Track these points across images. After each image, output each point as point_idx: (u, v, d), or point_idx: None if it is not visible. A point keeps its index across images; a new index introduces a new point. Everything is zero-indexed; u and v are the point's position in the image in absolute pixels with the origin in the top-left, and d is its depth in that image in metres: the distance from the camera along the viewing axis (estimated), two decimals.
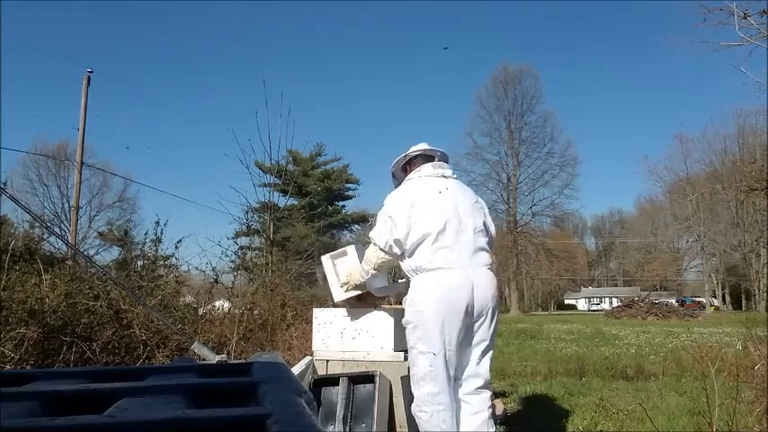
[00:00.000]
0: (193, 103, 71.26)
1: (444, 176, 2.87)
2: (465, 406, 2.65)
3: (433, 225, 2.62)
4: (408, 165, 2.98)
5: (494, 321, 2.67)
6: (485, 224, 2.80)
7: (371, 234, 2.83)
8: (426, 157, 2.96)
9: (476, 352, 2.65)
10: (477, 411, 2.63)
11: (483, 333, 2.64)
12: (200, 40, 76.28)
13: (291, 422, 0.50)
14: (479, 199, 2.96)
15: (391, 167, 3.09)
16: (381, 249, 2.75)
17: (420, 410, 2.57)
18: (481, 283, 2.60)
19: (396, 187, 3.04)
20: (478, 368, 2.66)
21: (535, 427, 4.42)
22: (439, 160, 2.96)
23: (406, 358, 3.06)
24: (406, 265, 2.71)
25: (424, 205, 2.69)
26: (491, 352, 2.71)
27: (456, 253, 2.60)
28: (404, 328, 3.10)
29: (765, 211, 34.56)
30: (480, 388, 2.66)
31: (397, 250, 2.70)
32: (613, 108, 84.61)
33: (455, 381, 2.64)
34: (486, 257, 2.72)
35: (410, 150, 2.99)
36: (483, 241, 2.73)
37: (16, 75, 55.70)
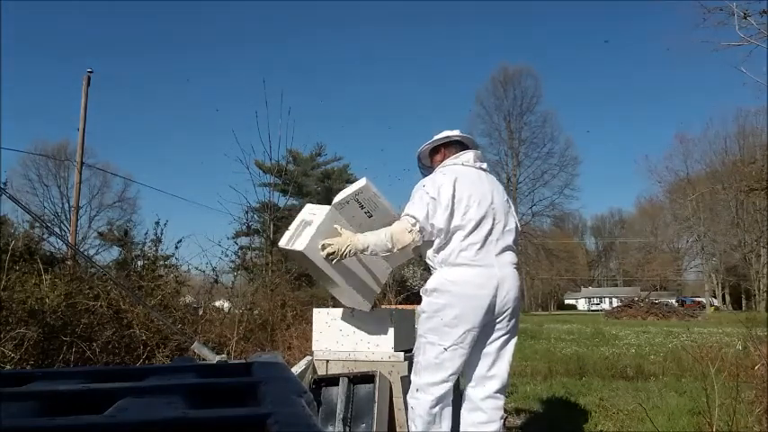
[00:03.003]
0: (194, 102, 71.26)
1: (483, 170, 2.77)
2: (478, 414, 2.55)
3: (469, 219, 2.52)
4: (443, 149, 2.80)
5: (513, 321, 2.59)
6: (515, 224, 2.73)
7: (408, 210, 2.55)
8: (461, 146, 2.81)
9: (492, 352, 2.57)
10: (489, 421, 2.54)
11: (501, 332, 2.56)
12: (200, 39, 76.28)
13: (291, 422, 0.50)
14: (509, 198, 2.86)
15: (420, 150, 2.87)
16: (415, 226, 2.50)
17: (412, 397, 2.54)
18: (507, 282, 2.53)
19: (422, 172, 2.88)
20: (495, 369, 2.57)
21: (535, 427, 4.42)
22: (475, 151, 2.80)
23: (406, 358, 3.06)
24: (431, 255, 2.57)
25: (464, 197, 2.55)
26: (510, 354, 2.62)
27: (485, 251, 2.52)
28: (405, 328, 3.10)
29: (765, 211, 34.56)
30: (497, 392, 2.57)
31: (429, 234, 2.52)
32: (613, 108, 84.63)
33: (467, 381, 2.59)
34: (513, 257, 2.65)
35: (447, 134, 2.81)
36: (511, 240, 2.65)
37: (16, 75, 55.72)
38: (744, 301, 49.65)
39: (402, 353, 3.05)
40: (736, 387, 3.65)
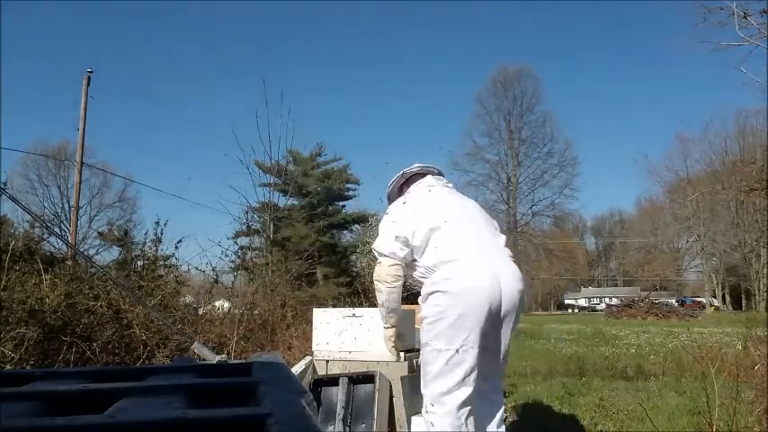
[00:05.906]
0: (194, 102, 71.29)
1: (447, 186, 2.82)
2: (486, 403, 2.48)
3: (440, 219, 2.48)
4: (405, 185, 2.88)
5: (517, 315, 2.45)
6: (497, 227, 2.69)
7: (375, 246, 2.58)
8: (423, 176, 2.87)
9: (498, 346, 2.44)
10: (497, 405, 2.52)
11: (507, 326, 2.42)
12: (200, 39, 76.27)
13: (291, 422, 0.50)
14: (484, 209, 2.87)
15: (387, 189, 2.94)
16: (389, 257, 2.49)
17: (427, 412, 2.38)
18: (507, 274, 2.39)
19: None
20: (502, 362, 2.50)
21: (535, 427, 4.42)
22: (433, 175, 2.88)
23: (405, 358, 3.06)
24: (419, 271, 2.49)
25: (428, 205, 2.58)
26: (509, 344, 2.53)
27: (472, 244, 2.42)
28: (405, 328, 3.09)
29: (765, 211, 34.55)
30: (501, 379, 2.57)
31: (405, 251, 2.47)
32: (614, 108, 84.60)
33: (478, 382, 2.44)
34: (506, 249, 2.58)
35: (406, 169, 2.88)
36: (498, 234, 2.60)
37: (17, 74, 55.74)
38: (744, 301, 49.64)
39: (402, 353, 3.05)
40: (736, 387, 3.66)
